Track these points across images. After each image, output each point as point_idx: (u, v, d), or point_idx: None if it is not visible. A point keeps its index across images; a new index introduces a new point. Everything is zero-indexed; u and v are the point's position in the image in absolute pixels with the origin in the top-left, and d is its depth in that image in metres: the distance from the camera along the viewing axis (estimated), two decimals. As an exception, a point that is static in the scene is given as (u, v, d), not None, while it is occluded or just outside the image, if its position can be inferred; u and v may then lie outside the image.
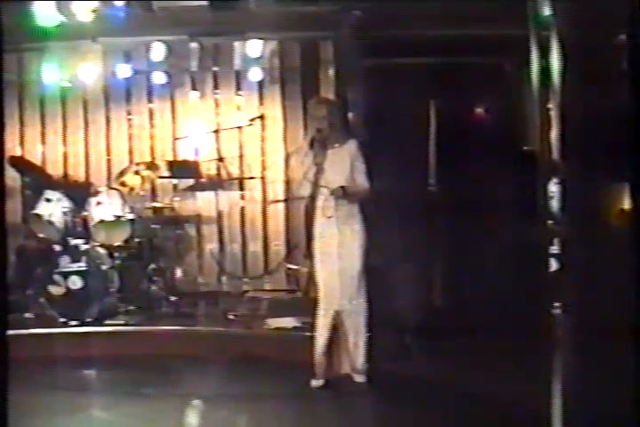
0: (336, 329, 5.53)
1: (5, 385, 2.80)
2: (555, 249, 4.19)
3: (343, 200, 5.45)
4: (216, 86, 8.59)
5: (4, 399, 2.80)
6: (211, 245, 8.53)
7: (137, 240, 7.52)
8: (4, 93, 3.03)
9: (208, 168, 8.15)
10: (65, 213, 7.28)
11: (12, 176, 7.79)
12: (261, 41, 8.14)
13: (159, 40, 8.08)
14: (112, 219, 7.28)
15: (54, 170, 8.43)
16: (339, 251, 5.48)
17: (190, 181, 8.16)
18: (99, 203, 7.31)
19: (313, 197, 5.66)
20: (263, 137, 8.54)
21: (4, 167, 6.44)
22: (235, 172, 8.27)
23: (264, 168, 8.52)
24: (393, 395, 5.33)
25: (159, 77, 8.37)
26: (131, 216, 7.38)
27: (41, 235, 7.34)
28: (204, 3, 6.76)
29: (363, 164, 5.50)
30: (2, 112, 2.97)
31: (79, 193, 7.60)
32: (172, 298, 7.53)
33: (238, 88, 8.58)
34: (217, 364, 6.09)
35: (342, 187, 5.41)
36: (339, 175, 5.45)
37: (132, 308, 7.21)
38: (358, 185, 5.48)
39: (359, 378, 5.53)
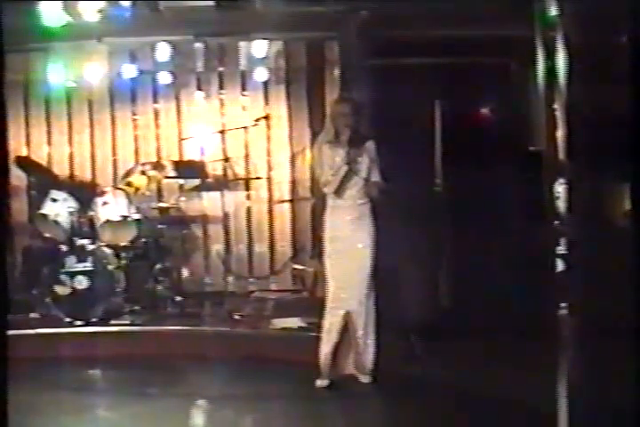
0: (345, 329, 5.53)
1: (5, 385, 2.80)
2: (561, 249, 4.18)
3: (364, 198, 5.49)
4: (221, 86, 8.59)
5: (3, 399, 2.79)
6: (217, 246, 8.53)
7: (143, 240, 7.53)
8: (4, 93, 3.03)
9: (214, 168, 8.17)
10: (71, 213, 7.30)
11: (18, 176, 7.81)
12: (267, 41, 8.13)
13: (165, 40, 8.08)
14: (118, 219, 7.28)
15: (60, 170, 8.43)
16: (351, 251, 5.49)
17: (196, 182, 8.17)
18: (105, 203, 7.31)
19: (323, 197, 5.69)
20: (269, 137, 8.54)
21: (9, 167, 6.48)
22: (240, 172, 8.30)
23: (270, 168, 8.53)
24: (398, 396, 5.33)
25: (165, 77, 8.37)
26: (137, 216, 7.38)
27: (47, 235, 7.35)
28: (210, 3, 6.76)
29: (378, 164, 5.54)
30: (5, 112, 2.97)
31: (85, 193, 7.62)
32: (178, 298, 7.54)
33: (244, 88, 8.57)
34: (222, 364, 6.09)
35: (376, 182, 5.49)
36: (361, 175, 5.49)
37: (137, 308, 7.22)
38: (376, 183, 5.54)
39: (364, 378, 5.53)
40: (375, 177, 5.55)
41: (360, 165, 5.49)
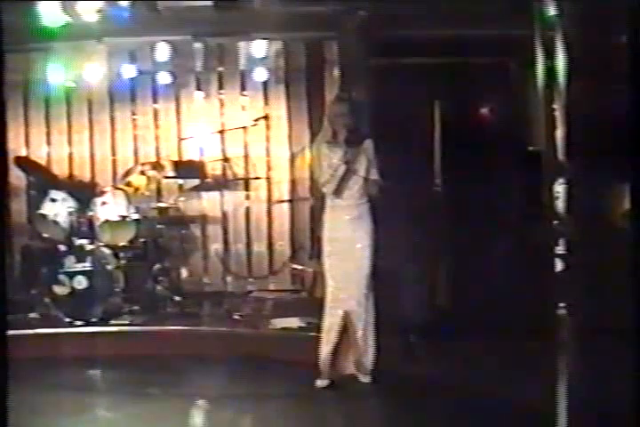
0: (345, 330, 5.53)
1: (5, 385, 2.80)
2: (560, 249, 4.18)
3: (363, 198, 5.50)
4: (221, 86, 8.59)
5: (3, 399, 2.79)
6: (216, 246, 8.54)
7: (142, 240, 7.53)
8: (4, 93, 3.03)
9: (213, 168, 8.18)
10: (70, 213, 7.30)
11: (18, 176, 7.81)
12: (266, 41, 8.14)
13: (164, 40, 8.08)
14: (117, 219, 7.28)
15: (59, 170, 8.43)
16: (350, 251, 5.49)
17: (195, 182, 8.19)
18: (104, 203, 7.31)
19: (322, 197, 5.70)
20: (268, 137, 8.53)
21: (8, 167, 6.47)
22: (240, 172, 8.30)
23: (269, 168, 8.52)
24: (398, 395, 5.33)
25: (164, 78, 8.37)
26: (136, 216, 7.38)
27: (46, 235, 7.35)
28: (209, 3, 6.76)
29: (376, 163, 5.54)
30: (4, 112, 2.97)
31: (84, 193, 7.61)
32: (177, 298, 7.54)
33: (243, 88, 8.57)
34: (222, 364, 6.10)
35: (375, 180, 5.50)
36: (359, 174, 5.49)
37: (136, 308, 7.21)
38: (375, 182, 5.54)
39: (364, 378, 5.53)
40: (374, 176, 5.55)
41: (358, 165, 5.50)
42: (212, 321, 7.11)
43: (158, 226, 7.80)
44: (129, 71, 8.32)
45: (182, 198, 8.18)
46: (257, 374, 5.86)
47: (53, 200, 7.31)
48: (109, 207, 7.30)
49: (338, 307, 5.51)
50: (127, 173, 7.89)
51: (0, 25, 3.05)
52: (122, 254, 7.33)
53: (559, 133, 4.15)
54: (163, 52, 8.14)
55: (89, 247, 7.13)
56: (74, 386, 5.73)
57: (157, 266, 7.61)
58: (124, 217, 7.30)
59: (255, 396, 5.44)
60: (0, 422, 2.82)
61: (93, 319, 6.87)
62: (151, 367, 6.09)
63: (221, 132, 8.21)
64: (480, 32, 6.92)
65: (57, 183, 7.78)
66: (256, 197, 8.53)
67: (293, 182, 8.48)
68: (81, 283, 6.97)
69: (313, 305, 6.39)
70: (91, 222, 7.32)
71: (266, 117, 8.24)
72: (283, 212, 8.57)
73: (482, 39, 6.98)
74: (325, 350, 5.53)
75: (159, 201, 8.13)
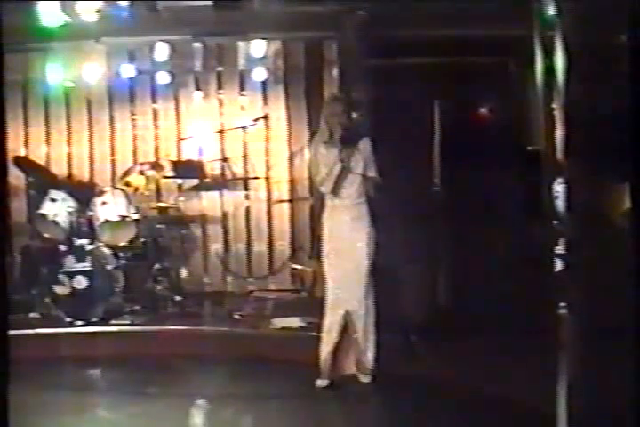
0: (345, 329, 5.53)
1: (5, 385, 2.79)
2: (560, 249, 4.17)
3: (362, 198, 5.51)
4: (220, 86, 8.60)
5: (4, 399, 2.79)
6: (216, 245, 8.55)
7: (142, 240, 7.53)
8: (3, 93, 3.03)
9: (212, 168, 8.18)
10: (70, 213, 7.30)
11: (17, 176, 7.81)
12: (265, 41, 8.14)
13: (163, 40, 8.09)
14: (117, 219, 7.29)
15: (59, 170, 8.45)
16: (349, 251, 5.50)
17: (195, 181, 8.19)
18: (104, 203, 7.31)
19: (321, 197, 5.71)
20: (267, 137, 8.54)
21: (8, 167, 6.46)
22: (239, 172, 8.30)
23: (268, 168, 8.52)
24: (398, 395, 5.33)
25: (163, 77, 8.38)
26: (136, 216, 7.38)
27: (46, 235, 7.36)
28: (208, 3, 6.76)
29: (374, 161, 5.54)
30: (4, 112, 2.97)
31: (84, 193, 7.61)
32: (178, 298, 7.54)
33: (242, 88, 8.58)
34: (222, 364, 6.10)
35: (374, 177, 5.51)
36: (356, 172, 5.49)
37: (137, 308, 7.22)
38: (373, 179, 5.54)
39: (365, 378, 5.53)
40: (371, 173, 5.55)
41: (354, 163, 5.50)
42: (213, 321, 7.11)
43: (158, 226, 7.80)
44: (128, 71, 8.33)
45: (182, 198, 8.18)
46: (257, 374, 5.86)
47: (53, 200, 7.31)
48: (109, 207, 7.30)
49: (338, 306, 5.51)
50: (126, 173, 7.89)
51: (0, 25, 3.05)
52: (122, 254, 7.34)
53: (558, 133, 4.14)
54: (162, 51, 8.15)
55: (89, 247, 7.13)
56: (74, 386, 5.73)
57: (157, 266, 7.61)
58: (123, 217, 7.31)
59: (255, 396, 5.45)
60: (0, 422, 2.81)
61: (94, 319, 6.88)
62: (151, 367, 6.10)
63: (221, 132, 8.21)
64: (480, 32, 6.92)
65: (56, 183, 7.79)
66: (256, 197, 8.54)
67: (293, 182, 8.49)
68: (81, 283, 6.97)
69: (313, 305, 6.40)
70: (90, 222, 7.32)
71: (265, 117, 8.25)
72: (282, 211, 8.58)
73: (482, 39, 6.98)
74: (326, 349, 5.53)
75: (159, 201, 8.14)
